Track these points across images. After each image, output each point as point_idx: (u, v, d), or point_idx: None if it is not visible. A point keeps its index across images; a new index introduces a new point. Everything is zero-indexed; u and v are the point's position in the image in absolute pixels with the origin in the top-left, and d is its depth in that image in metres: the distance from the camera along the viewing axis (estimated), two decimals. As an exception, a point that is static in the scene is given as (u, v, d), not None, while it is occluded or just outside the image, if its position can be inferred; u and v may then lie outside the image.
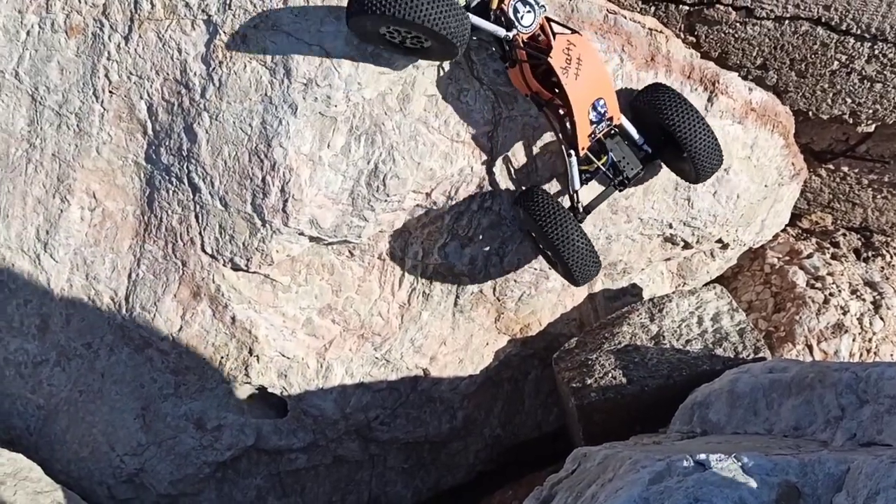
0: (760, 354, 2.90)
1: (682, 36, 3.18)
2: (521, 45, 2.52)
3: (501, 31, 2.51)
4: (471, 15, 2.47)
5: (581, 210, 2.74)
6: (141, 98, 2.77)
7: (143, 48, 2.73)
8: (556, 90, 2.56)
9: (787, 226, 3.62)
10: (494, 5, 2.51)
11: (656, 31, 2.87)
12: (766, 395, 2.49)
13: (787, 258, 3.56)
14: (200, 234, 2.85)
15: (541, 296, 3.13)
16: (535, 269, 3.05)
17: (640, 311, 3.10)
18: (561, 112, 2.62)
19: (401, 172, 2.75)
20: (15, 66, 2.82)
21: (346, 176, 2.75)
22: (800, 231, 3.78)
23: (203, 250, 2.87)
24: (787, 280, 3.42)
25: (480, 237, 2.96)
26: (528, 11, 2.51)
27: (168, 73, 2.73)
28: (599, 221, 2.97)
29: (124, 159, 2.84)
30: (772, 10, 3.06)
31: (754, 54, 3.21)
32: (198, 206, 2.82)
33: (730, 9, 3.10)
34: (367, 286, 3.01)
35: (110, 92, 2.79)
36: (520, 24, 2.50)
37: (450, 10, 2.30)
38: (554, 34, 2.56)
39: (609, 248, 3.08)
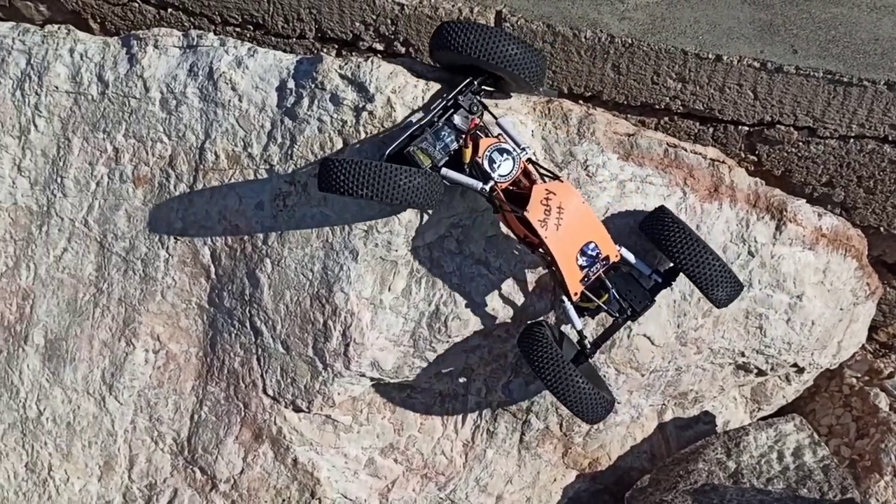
0: (848, 495, 2.72)
1: (743, 154, 3.13)
2: (502, 196, 2.40)
3: (477, 185, 2.37)
4: (445, 170, 2.38)
5: (589, 346, 2.57)
6: (205, 244, 2.82)
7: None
8: None
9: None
10: (467, 160, 2.39)
11: (718, 161, 2.82)
12: (859, 548, 2.33)
13: (867, 378, 3.38)
14: (262, 376, 2.84)
15: (609, 429, 3.02)
16: (603, 404, 2.94)
17: (716, 445, 2.95)
18: (549, 258, 2.48)
19: (462, 313, 2.71)
20: (85, 214, 2.90)
21: (408, 318, 2.72)
22: (877, 346, 3.60)
23: (265, 392, 2.86)
24: (868, 403, 3.23)
25: (545, 374, 2.88)
26: (506, 159, 2.38)
27: (231, 220, 2.77)
28: (668, 354, 2.87)
29: (188, 303, 2.87)
30: (835, 130, 3.00)
31: (819, 172, 3.13)
32: (259, 349, 2.82)
33: (791, 129, 3.05)
34: (429, 424, 2.95)
35: (175, 238, 2.84)
36: (496, 173, 2.37)
37: (410, 180, 2.23)
38: (542, 177, 2.44)
39: (679, 379, 2.97)
